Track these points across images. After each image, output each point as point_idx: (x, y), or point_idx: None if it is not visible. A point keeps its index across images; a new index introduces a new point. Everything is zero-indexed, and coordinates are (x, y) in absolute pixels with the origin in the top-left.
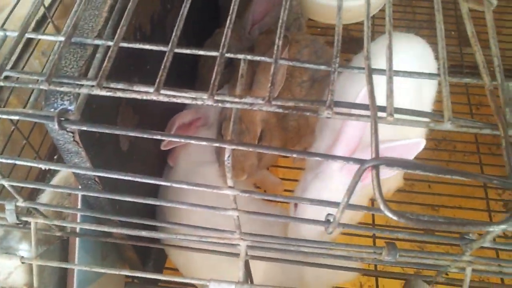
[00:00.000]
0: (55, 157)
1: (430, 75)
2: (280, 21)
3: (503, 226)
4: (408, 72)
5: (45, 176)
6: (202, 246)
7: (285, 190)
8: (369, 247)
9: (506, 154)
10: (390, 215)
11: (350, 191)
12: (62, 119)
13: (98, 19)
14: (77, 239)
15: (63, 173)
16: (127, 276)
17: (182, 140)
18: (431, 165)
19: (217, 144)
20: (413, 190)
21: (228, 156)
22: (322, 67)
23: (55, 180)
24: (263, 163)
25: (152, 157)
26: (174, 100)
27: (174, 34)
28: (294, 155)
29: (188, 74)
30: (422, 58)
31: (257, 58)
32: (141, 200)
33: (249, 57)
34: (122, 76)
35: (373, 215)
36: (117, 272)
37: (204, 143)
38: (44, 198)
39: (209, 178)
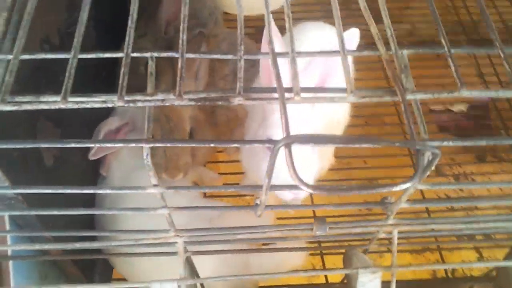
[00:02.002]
0: None
1: (329, 53)
2: (182, 15)
3: (407, 185)
4: (309, 52)
5: None
6: (144, 250)
7: (226, 184)
8: (300, 224)
9: (405, 116)
10: (304, 188)
11: (270, 172)
12: None
13: None
14: (10, 262)
15: None
16: None
17: (95, 145)
18: (339, 136)
19: (133, 145)
20: (350, 167)
21: (147, 155)
22: (229, 56)
23: None
24: (198, 160)
25: (82, 169)
26: (84, 106)
27: (76, 40)
28: (212, 145)
29: (107, 81)
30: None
31: (164, 54)
32: (67, 212)
33: (155, 54)
34: (33, 90)
35: (310, 195)
36: None
37: (120, 144)
38: None
39: (144, 182)
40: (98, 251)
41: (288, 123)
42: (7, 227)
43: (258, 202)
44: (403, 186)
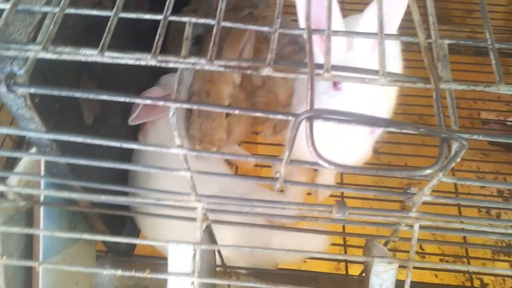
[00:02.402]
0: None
1: (367, 34)
2: None
3: (428, 171)
4: (346, 32)
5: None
6: (167, 212)
7: (257, 166)
8: (319, 205)
9: (436, 105)
10: (321, 162)
11: (290, 144)
12: (10, 82)
13: None
14: (41, 208)
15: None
16: (100, 250)
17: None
18: (364, 114)
19: (161, 103)
20: (390, 164)
21: (173, 114)
22: (265, 29)
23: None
24: (233, 138)
25: (120, 133)
26: (119, 61)
27: (118, 0)
28: (236, 112)
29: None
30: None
31: (201, 21)
32: (95, 163)
33: (193, 19)
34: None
35: (341, 175)
36: (75, 236)
37: (148, 101)
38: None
39: (177, 155)
40: (126, 209)
41: (314, 97)
42: (42, 174)
43: (278, 175)
44: (423, 172)
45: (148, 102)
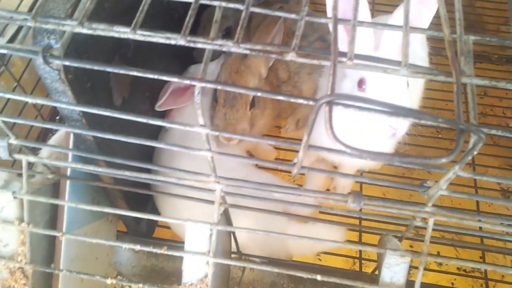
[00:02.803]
0: (57, 117)
1: (392, 27)
2: None
3: (444, 160)
4: (372, 23)
5: (48, 131)
6: (187, 193)
7: (277, 159)
8: (336, 194)
9: (456, 98)
10: (338, 145)
11: (309, 129)
12: (47, 54)
13: None
14: (67, 182)
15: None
16: (120, 231)
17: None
18: (384, 102)
19: (187, 82)
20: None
21: (198, 93)
22: (293, 16)
23: (57, 135)
24: (256, 130)
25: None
26: (150, 39)
27: None
28: (259, 94)
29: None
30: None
31: (231, 5)
32: (121, 138)
33: (223, 3)
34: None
35: (361, 174)
36: (98, 209)
37: (175, 79)
38: (45, 151)
39: (201, 142)
40: (147, 187)
41: (335, 83)
42: (71, 147)
43: (295, 160)
44: (439, 161)
45: (175, 79)
